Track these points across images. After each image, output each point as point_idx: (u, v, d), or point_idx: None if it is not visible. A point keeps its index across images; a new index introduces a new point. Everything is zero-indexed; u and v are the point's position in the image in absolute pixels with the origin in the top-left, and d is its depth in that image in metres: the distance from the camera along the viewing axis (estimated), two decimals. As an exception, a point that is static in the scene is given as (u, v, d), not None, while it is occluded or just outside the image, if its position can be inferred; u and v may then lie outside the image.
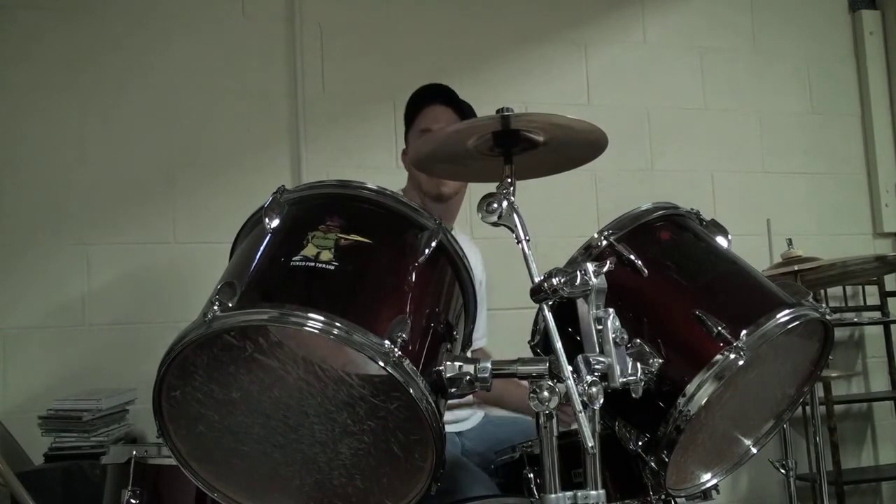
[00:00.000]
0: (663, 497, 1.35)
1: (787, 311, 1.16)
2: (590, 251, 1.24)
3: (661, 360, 1.12)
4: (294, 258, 1.05)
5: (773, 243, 2.69)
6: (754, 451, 1.36)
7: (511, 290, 2.62)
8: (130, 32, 2.65)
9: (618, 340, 1.04)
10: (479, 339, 2.12)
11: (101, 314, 2.54)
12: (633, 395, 1.05)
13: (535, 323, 1.29)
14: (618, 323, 1.05)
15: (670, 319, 1.20)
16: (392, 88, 2.84)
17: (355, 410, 1.04)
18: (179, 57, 2.68)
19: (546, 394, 1.00)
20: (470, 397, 1.97)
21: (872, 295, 3.37)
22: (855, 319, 3.30)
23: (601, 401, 0.97)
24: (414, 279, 1.09)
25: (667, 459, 1.14)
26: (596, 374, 0.99)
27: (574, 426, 0.97)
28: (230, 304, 0.99)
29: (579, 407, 0.96)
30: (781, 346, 1.24)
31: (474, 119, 1.14)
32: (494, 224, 1.11)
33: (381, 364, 0.96)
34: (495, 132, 1.16)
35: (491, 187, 1.15)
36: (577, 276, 1.02)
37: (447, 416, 1.85)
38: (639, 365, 1.07)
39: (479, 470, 1.68)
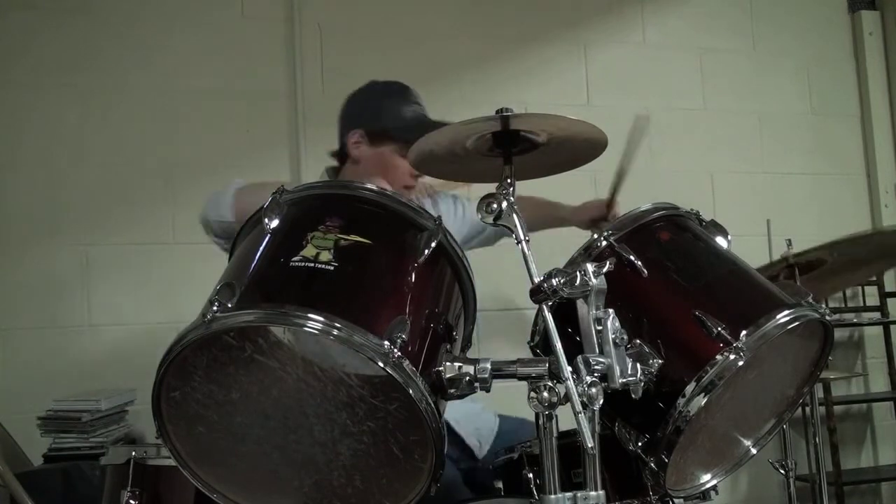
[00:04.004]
0: (663, 498, 1.35)
1: (786, 312, 1.16)
2: (589, 251, 1.24)
3: (660, 361, 1.12)
4: (293, 259, 1.05)
5: (772, 244, 2.69)
6: (754, 451, 1.35)
7: (510, 291, 2.62)
8: (129, 32, 2.65)
9: (617, 341, 1.04)
10: None
11: (100, 314, 2.54)
12: (633, 396, 1.05)
13: (535, 323, 1.29)
14: (617, 323, 1.05)
15: (670, 320, 1.20)
16: (392, 89, 2.84)
17: (354, 411, 1.04)
18: (179, 57, 2.68)
19: (546, 394, 1.00)
20: None
21: (872, 295, 3.37)
22: (855, 320, 3.30)
23: (601, 401, 0.97)
24: (413, 280, 1.09)
25: (666, 460, 1.14)
26: (596, 374, 0.99)
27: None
28: (229, 305, 0.99)
29: (579, 408, 0.95)
30: (781, 347, 1.24)
31: (474, 119, 1.14)
32: (494, 224, 1.11)
33: (381, 365, 0.96)
34: (495, 132, 1.16)
35: (491, 187, 1.15)
36: (576, 276, 1.02)
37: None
38: (638, 366, 1.07)
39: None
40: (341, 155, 2.01)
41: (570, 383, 0.97)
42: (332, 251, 1.06)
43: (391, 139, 1.90)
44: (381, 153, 1.92)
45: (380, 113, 1.94)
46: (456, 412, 1.87)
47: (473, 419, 1.91)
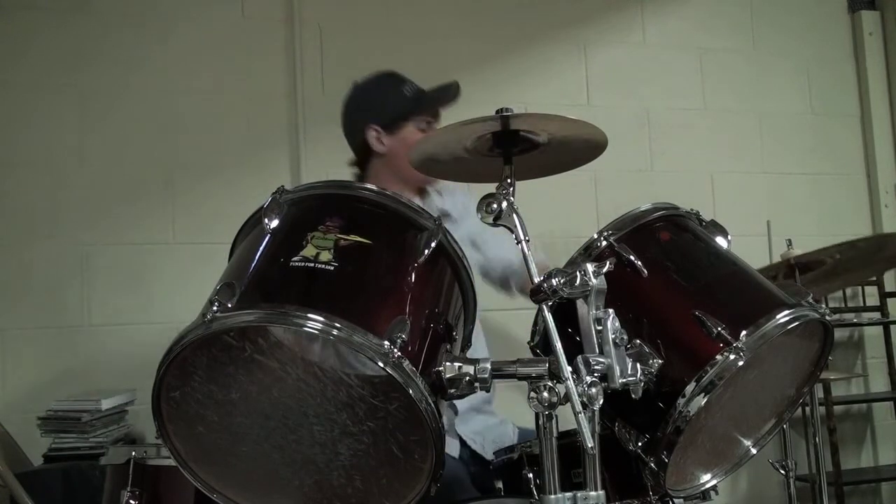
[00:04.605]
0: (663, 498, 1.35)
1: (786, 312, 1.16)
2: (589, 251, 1.24)
3: (660, 361, 1.12)
4: (293, 259, 1.05)
5: (772, 244, 2.69)
6: (754, 451, 1.35)
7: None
8: (129, 32, 2.65)
9: (617, 341, 1.04)
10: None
11: (100, 314, 2.54)
12: (633, 396, 1.05)
13: (535, 323, 1.29)
14: (617, 323, 1.05)
15: (670, 320, 1.20)
16: (392, 89, 2.84)
17: (354, 411, 1.04)
18: (179, 57, 2.68)
19: (546, 394, 1.00)
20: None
21: (872, 295, 3.37)
22: (854, 320, 3.30)
23: (601, 401, 0.97)
24: (413, 280, 1.09)
25: (666, 460, 1.14)
26: (596, 374, 0.99)
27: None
28: (229, 305, 0.99)
29: (579, 408, 0.95)
30: (781, 347, 1.24)
31: (474, 119, 1.14)
32: (494, 224, 1.11)
33: (381, 365, 0.96)
34: (495, 132, 1.16)
35: (491, 188, 1.15)
36: (576, 276, 1.02)
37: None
38: (638, 365, 1.06)
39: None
40: (361, 158, 2.06)
41: (570, 383, 0.97)
42: (332, 251, 1.06)
43: (405, 119, 1.97)
44: (401, 137, 1.96)
45: (383, 102, 2.00)
46: (472, 428, 1.89)
47: (491, 431, 1.92)
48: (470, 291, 1.21)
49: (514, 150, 1.18)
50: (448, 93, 1.99)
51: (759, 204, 3.21)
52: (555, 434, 1.04)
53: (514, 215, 1.10)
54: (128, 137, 2.61)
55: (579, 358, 1.00)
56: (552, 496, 1.02)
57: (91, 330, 2.53)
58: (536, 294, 1.03)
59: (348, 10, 2.88)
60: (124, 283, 2.57)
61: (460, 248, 1.18)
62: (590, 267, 1.04)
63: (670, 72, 3.26)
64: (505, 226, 1.11)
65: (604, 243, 1.23)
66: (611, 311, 1.05)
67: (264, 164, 2.72)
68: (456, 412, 1.89)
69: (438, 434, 1.01)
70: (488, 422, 1.94)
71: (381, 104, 2.00)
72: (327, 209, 1.13)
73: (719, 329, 1.12)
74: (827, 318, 1.23)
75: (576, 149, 1.24)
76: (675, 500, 1.34)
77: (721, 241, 1.31)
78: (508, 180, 1.15)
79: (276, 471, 1.12)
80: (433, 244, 1.10)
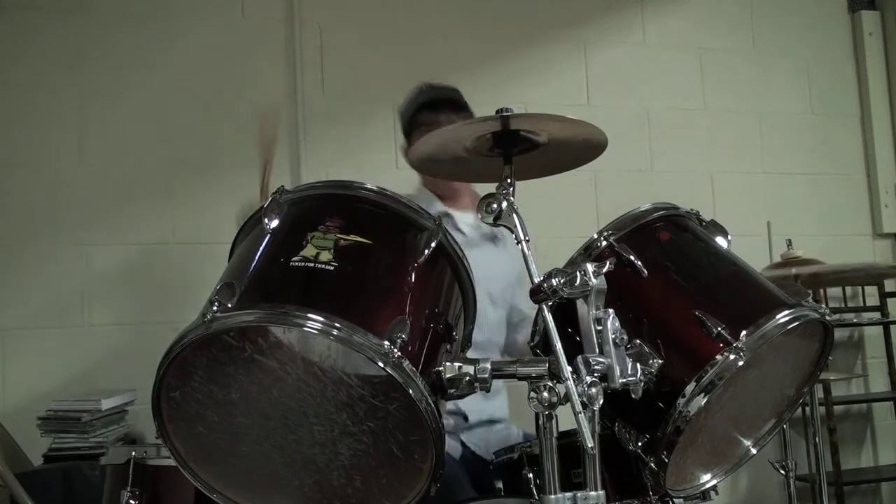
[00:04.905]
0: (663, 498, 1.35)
1: (786, 312, 1.16)
2: (589, 251, 1.24)
3: (660, 361, 1.12)
4: (293, 259, 1.05)
5: (772, 244, 2.69)
6: (754, 451, 1.35)
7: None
8: (130, 33, 2.65)
9: (617, 341, 1.04)
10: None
11: (100, 314, 2.54)
12: (633, 396, 1.05)
13: (535, 323, 1.29)
14: (617, 323, 1.05)
15: (670, 320, 1.20)
16: (392, 89, 2.82)
17: (354, 411, 1.04)
18: (179, 57, 2.68)
19: (546, 394, 1.00)
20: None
21: (872, 296, 3.37)
22: (854, 320, 3.30)
23: (601, 401, 0.97)
24: (413, 280, 1.09)
25: (666, 460, 1.14)
26: (596, 374, 0.99)
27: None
28: (229, 305, 0.99)
29: (579, 408, 0.95)
30: (781, 347, 1.24)
31: (474, 119, 1.14)
32: (494, 224, 1.11)
33: (381, 365, 0.96)
34: (495, 132, 1.16)
35: (491, 188, 1.15)
36: (576, 276, 1.02)
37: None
38: (638, 365, 1.06)
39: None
40: None
41: (570, 383, 0.97)
42: (332, 251, 1.06)
43: (412, 132, 2.04)
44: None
45: (403, 117, 2.10)
46: (478, 436, 1.89)
47: (495, 435, 1.92)
48: (470, 291, 1.21)
49: (514, 150, 1.18)
50: (427, 100, 2.03)
51: (759, 204, 3.21)
52: (555, 434, 1.04)
53: (514, 215, 1.10)
54: (128, 137, 2.61)
55: (579, 358, 1.00)
56: (552, 496, 1.02)
57: (91, 330, 2.53)
58: (536, 294, 1.03)
59: (348, 10, 2.88)
60: (124, 283, 2.57)
61: (460, 249, 1.18)
62: (590, 267, 1.04)
63: (670, 72, 3.26)
64: (505, 226, 1.11)
65: (604, 243, 1.24)
66: (611, 311, 1.05)
67: (264, 164, 2.71)
68: (465, 419, 1.89)
69: (438, 434, 1.01)
70: (493, 428, 1.94)
71: (404, 119, 2.10)
72: (327, 209, 1.13)
73: (719, 329, 1.12)
74: (827, 318, 1.23)
75: (576, 149, 1.24)
76: (675, 500, 1.34)
77: (721, 241, 1.31)
78: (508, 180, 1.15)
79: (276, 471, 1.12)
80: (433, 244, 1.11)
